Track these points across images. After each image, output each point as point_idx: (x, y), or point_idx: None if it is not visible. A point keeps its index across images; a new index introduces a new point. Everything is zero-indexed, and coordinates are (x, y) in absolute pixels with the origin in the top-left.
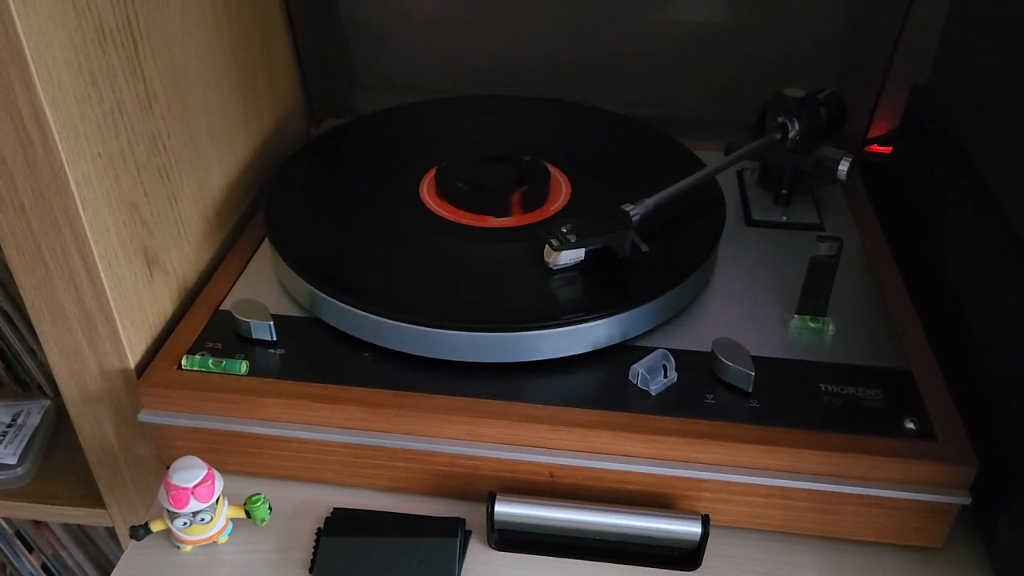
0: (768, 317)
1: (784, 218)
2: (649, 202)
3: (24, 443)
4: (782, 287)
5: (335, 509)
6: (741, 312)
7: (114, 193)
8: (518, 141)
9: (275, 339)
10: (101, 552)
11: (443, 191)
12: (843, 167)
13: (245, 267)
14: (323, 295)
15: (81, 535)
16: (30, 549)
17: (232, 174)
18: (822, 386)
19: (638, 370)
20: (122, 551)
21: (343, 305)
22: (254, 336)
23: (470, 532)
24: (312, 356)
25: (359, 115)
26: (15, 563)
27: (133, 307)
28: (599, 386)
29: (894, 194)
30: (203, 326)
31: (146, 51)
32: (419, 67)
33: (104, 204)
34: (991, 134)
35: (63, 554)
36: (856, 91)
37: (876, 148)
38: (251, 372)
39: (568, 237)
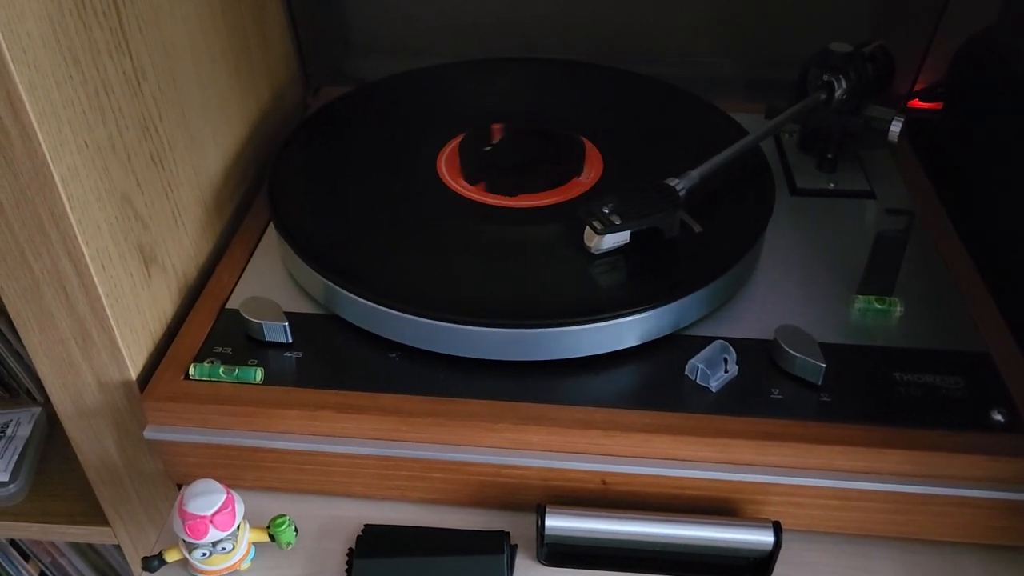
0: (825, 297)
1: (832, 185)
2: (695, 174)
3: (16, 457)
4: (836, 262)
5: (366, 526)
6: (795, 292)
7: (104, 186)
8: (538, 109)
9: (291, 341)
10: (103, 559)
11: (467, 168)
12: (895, 128)
13: (250, 258)
14: (341, 290)
15: (82, 543)
16: (26, 558)
17: (230, 154)
18: (896, 375)
19: (697, 365)
20: (127, 560)
21: (364, 301)
22: (267, 339)
23: (516, 547)
24: (333, 359)
25: (358, 81)
26: (11, 573)
27: (131, 312)
28: (653, 383)
29: (947, 154)
30: (209, 328)
31: (131, 20)
32: (418, 27)
33: (94, 199)
34: None
35: (63, 562)
36: (900, 42)
37: (919, 103)
38: (266, 380)
39: (612, 219)
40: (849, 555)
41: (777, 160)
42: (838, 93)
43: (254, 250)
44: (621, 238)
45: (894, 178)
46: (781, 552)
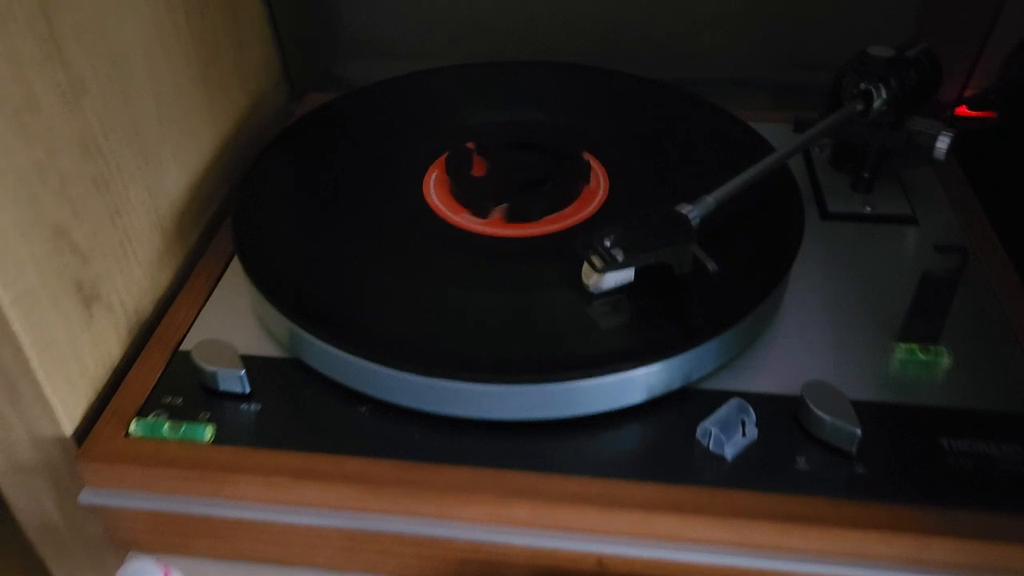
0: (859, 343)
1: (868, 208)
2: (711, 200)
3: None
4: (872, 300)
5: None
6: (824, 337)
7: (30, 218)
8: (540, 120)
9: (248, 391)
10: None
11: (454, 190)
12: (941, 144)
13: (213, 290)
14: (307, 335)
15: None
16: None
17: (195, 172)
18: (944, 442)
19: (709, 429)
20: None
21: (332, 349)
22: (222, 388)
23: None
24: (295, 412)
25: (346, 86)
26: None
27: (66, 359)
28: (658, 448)
29: (1002, 173)
30: (158, 375)
31: (65, 27)
32: (411, 25)
33: (16, 234)
34: None
35: None
36: (949, 43)
37: (967, 111)
38: (218, 438)
39: (614, 253)
40: None
41: (806, 178)
42: (877, 104)
43: (218, 280)
44: (625, 276)
45: (939, 200)
46: None
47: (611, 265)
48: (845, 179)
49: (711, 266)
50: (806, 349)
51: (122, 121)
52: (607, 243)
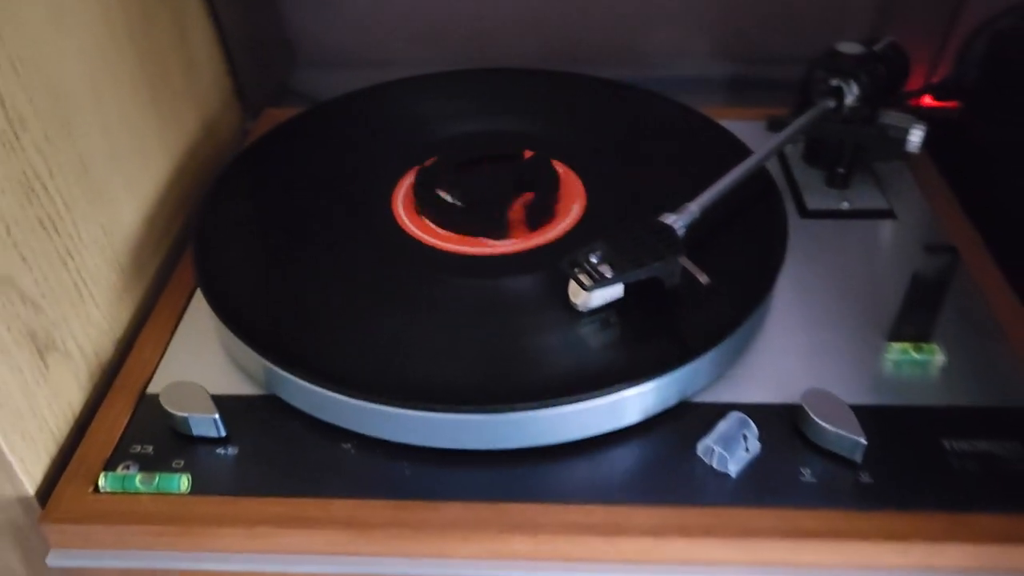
0: (850, 343)
1: (845, 204)
2: (694, 208)
3: None
4: (858, 296)
5: None
6: (815, 338)
7: None
8: (514, 129)
9: (224, 435)
10: None
11: (423, 207)
12: (915, 137)
13: (177, 325)
14: (280, 371)
15: None
16: None
17: (149, 203)
18: (945, 443)
19: (711, 446)
20: None
21: (308, 385)
22: (195, 433)
23: None
24: (274, 453)
25: (306, 100)
26: None
27: (23, 415)
28: (659, 468)
29: (969, 161)
30: (125, 422)
31: (0, 62)
32: (372, 32)
33: None
34: None
35: None
36: (912, 32)
37: (932, 101)
38: (195, 488)
39: (601, 270)
40: None
41: (782, 177)
42: (849, 100)
43: (183, 313)
44: (614, 292)
45: (912, 192)
46: None
47: (599, 283)
48: (819, 175)
49: (703, 279)
50: (798, 353)
51: (68, 157)
52: (593, 259)
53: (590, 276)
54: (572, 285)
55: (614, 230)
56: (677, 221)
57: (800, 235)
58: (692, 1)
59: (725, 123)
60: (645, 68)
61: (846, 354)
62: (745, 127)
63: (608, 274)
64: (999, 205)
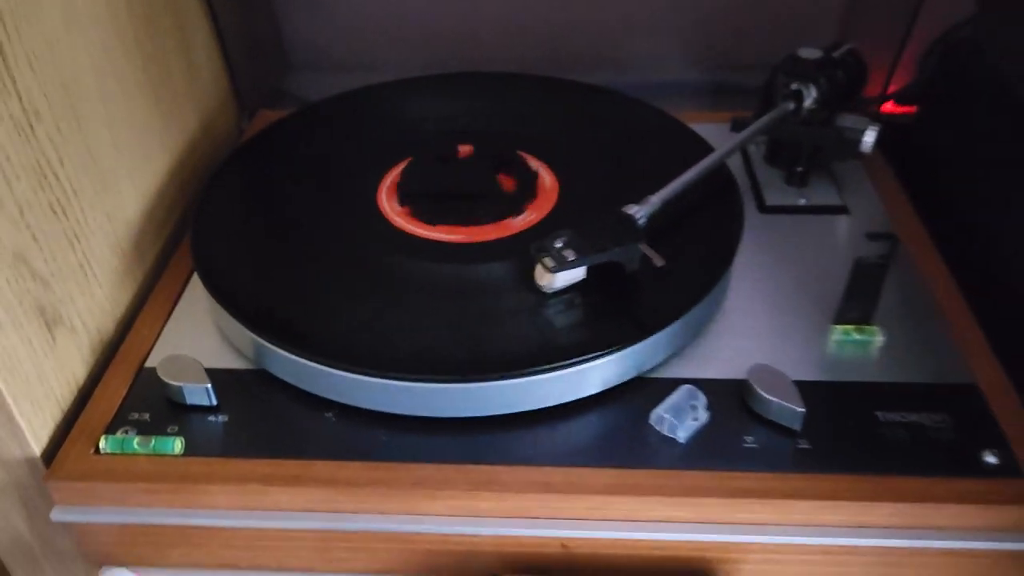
0: (799, 327)
1: (802, 201)
2: (655, 200)
3: None
4: (810, 285)
5: None
6: (767, 322)
7: None
8: (494, 129)
9: (215, 404)
10: None
11: (405, 199)
12: (868, 138)
13: (174, 306)
14: (269, 346)
15: None
16: None
17: (150, 194)
18: (878, 414)
19: (662, 415)
20: None
21: (294, 358)
22: (189, 402)
23: None
24: (262, 421)
25: (300, 100)
26: None
27: (31, 382)
28: (614, 435)
29: (923, 164)
30: (125, 392)
31: (18, 57)
32: (363, 37)
33: None
34: None
35: None
36: (872, 40)
37: (894, 107)
38: (187, 450)
39: (565, 254)
40: None
41: (744, 175)
42: (807, 102)
43: (179, 297)
44: (576, 274)
45: (867, 191)
46: None
47: (562, 265)
48: (780, 174)
49: (659, 263)
50: (750, 335)
51: (77, 147)
52: (558, 244)
53: (554, 259)
54: (538, 268)
55: (580, 220)
56: (639, 211)
57: (759, 229)
58: (670, 11)
59: (697, 126)
60: (624, 74)
61: (796, 336)
62: (715, 129)
63: (571, 257)
64: (946, 204)
